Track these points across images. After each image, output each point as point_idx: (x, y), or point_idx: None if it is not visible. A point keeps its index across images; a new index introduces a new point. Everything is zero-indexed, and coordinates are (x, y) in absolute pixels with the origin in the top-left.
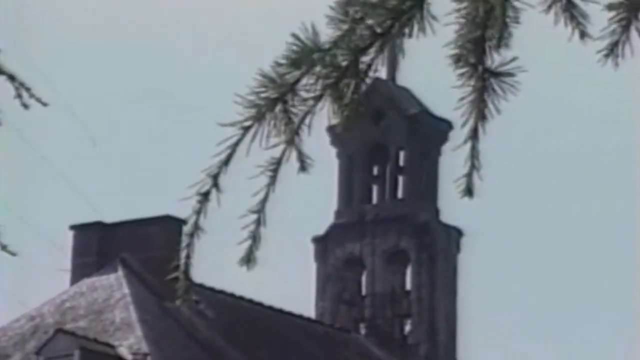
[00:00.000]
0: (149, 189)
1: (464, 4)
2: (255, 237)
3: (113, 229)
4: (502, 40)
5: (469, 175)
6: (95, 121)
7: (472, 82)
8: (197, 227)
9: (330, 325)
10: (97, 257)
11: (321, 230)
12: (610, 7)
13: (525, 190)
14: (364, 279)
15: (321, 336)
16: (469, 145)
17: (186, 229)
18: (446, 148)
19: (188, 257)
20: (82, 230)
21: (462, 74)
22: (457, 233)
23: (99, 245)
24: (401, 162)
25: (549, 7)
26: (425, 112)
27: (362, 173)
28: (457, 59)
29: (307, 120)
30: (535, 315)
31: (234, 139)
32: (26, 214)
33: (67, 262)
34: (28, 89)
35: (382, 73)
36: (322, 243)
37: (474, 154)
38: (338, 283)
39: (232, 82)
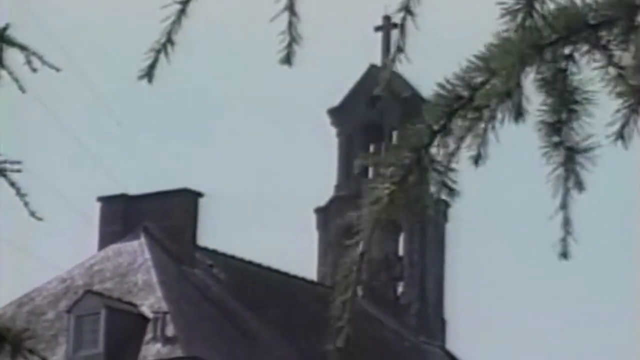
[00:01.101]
0: (169, 164)
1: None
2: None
3: (136, 200)
4: (579, 120)
5: (563, 240)
6: (119, 103)
7: (557, 159)
8: None
9: (330, 287)
10: (121, 226)
11: (323, 202)
12: (618, 94)
13: (507, 163)
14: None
15: (322, 297)
16: (561, 214)
17: None
18: None
19: None
20: (109, 202)
21: (546, 153)
22: (445, 204)
23: (123, 215)
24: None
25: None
26: (417, 96)
27: (359, 150)
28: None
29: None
30: (516, 277)
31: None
32: (60, 188)
33: (94, 231)
34: (40, 57)
35: (378, 60)
36: (324, 213)
37: (566, 222)
38: (338, 249)
39: (238, 78)
